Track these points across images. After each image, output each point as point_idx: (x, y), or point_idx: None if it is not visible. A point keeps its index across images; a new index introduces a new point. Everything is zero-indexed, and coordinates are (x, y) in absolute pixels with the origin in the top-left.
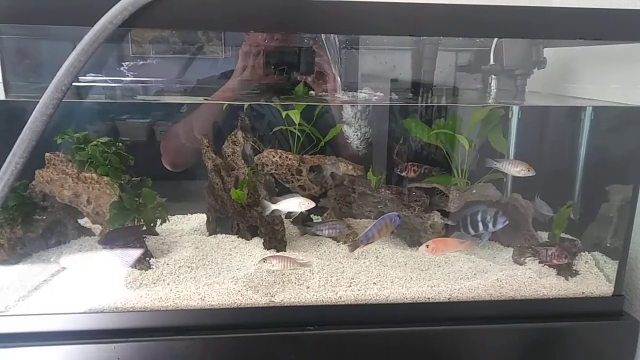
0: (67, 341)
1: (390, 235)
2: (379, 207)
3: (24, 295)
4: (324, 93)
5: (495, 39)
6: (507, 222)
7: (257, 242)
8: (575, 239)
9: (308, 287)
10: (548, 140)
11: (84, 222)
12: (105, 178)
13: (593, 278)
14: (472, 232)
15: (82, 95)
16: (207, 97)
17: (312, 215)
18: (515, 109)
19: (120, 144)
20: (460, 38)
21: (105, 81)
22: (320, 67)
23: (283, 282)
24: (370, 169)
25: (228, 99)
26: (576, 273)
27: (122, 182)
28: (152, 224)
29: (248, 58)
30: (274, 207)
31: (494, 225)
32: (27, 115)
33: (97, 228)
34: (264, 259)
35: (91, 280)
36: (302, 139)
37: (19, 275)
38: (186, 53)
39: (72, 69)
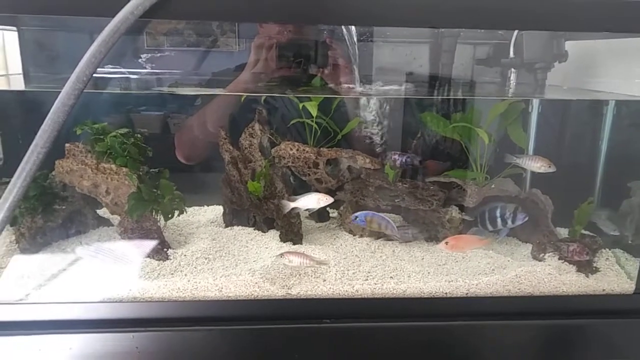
0: (86, 329)
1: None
2: (396, 200)
3: (44, 284)
4: (341, 86)
5: (516, 32)
6: (526, 218)
7: (274, 234)
8: (595, 235)
9: (324, 280)
10: (568, 134)
11: (102, 212)
12: (124, 169)
13: (614, 275)
14: (490, 227)
15: (97, 87)
16: (220, 90)
17: (328, 209)
18: (536, 102)
19: (139, 135)
20: (480, 31)
21: (122, 73)
22: (336, 60)
23: (300, 275)
24: (387, 163)
25: (241, 92)
26: (597, 270)
27: (141, 173)
28: (169, 216)
29: (261, 51)
30: (292, 205)
31: (513, 222)
32: (47, 106)
33: (115, 218)
34: (281, 254)
35: (110, 270)
36: (319, 132)
37: (39, 264)
38: (200, 46)
39: (93, 59)
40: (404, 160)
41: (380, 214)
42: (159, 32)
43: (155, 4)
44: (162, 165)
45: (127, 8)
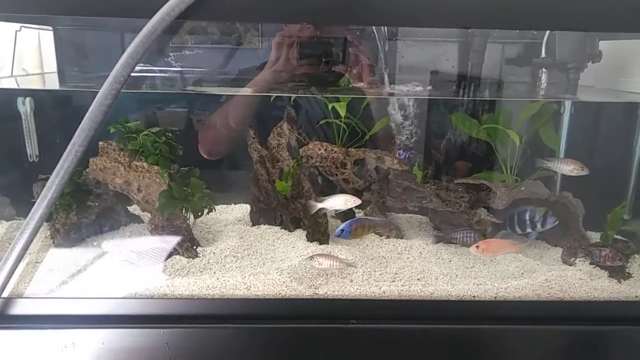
0: (117, 325)
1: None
2: (423, 202)
3: (77, 278)
4: (365, 85)
5: (548, 31)
6: (556, 222)
7: (300, 234)
8: (628, 240)
9: (351, 281)
10: (601, 136)
11: (133, 209)
12: (156, 167)
13: None
14: (519, 231)
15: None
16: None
17: (354, 209)
18: (568, 104)
19: (170, 134)
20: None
21: (152, 71)
22: (360, 59)
23: (327, 275)
24: (416, 164)
25: (261, 90)
26: (629, 276)
27: (172, 171)
28: (199, 214)
29: (282, 49)
30: (320, 206)
31: (542, 226)
32: (80, 104)
33: (146, 215)
34: (311, 257)
35: (140, 267)
36: (347, 132)
37: (73, 259)
38: (224, 43)
39: (130, 60)
40: (407, 156)
41: (362, 217)
42: (184, 30)
43: (192, 5)
44: (187, 162)
45: (164, 9)
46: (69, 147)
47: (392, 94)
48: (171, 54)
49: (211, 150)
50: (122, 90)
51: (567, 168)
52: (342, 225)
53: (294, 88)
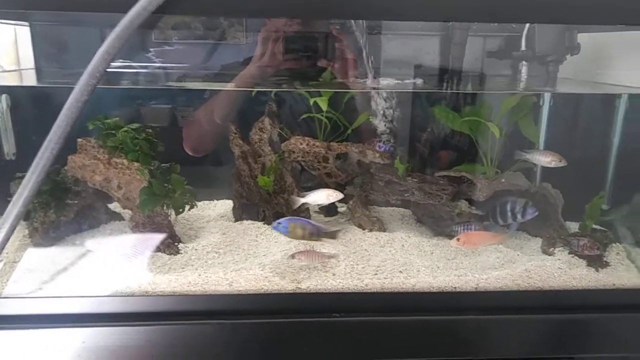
0: (97, 323)
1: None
2: (405, 195)
3: (56, 278)
4: (350, 79)
5: (527, 24)
6: (536, 213)
7: None
8: (606, 229)
9: (334, 275)
10: (580, 128)
11: (114, 206)
12: (136, 164)
13: (624, 270)
14: (501, 222)
15: (106, 81)
16: (227, 83)
17: (336, 204)
18: (547, 96)
19: (150, 130)
20: (492, 24)
21: (130, 67)
22: (344, 53)
23: (309, 269)
24: (398, 157)
25: (247, 85)
26: (607, 264)
27: (152, 168)
28: (180, 210)
29: (267, 44)
30: (302, 201)
31: (522, 216)
32: (58, 100)
33: (126, 213)
34: (292, 255)
35: (121, 264)
36: (329, 126)
37: (52, 258)
38: (208, 39)
39: (106, 55)
40: (387, 148)
41: (303, 219)
42: (166, 25)
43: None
44: (171, 158)
45: (141, 3)
46: (45, 144)
47: (373, 88)
48: (152, 50)
49: (196, 147)
50: (106, 87)
51: (545, 160)
52: (281, 220)
53: (278, 83)
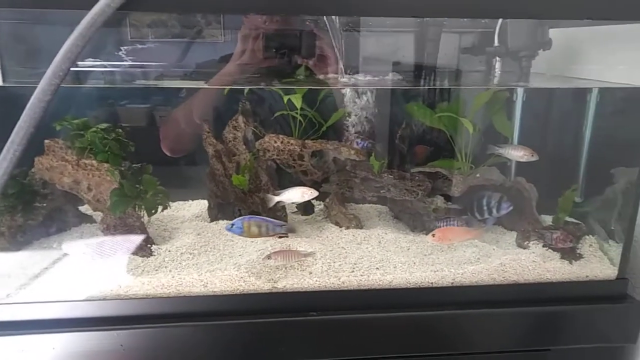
0: (69, 329)
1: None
2: (381, 191)
3: (25, 283)
4: (326, 76)
5: (500, 20)
6: (511, 207)
7: None
8: (579, 222)
9: (311, 273)
10: (553, 122)
11: (85, 209)
12: (106, 165)
13: (597, 261)
14: (478, 216)
15: (81, 81)
16: (206, 82)
17: (312, 202)
18: (520, 91)
19: (120, 130)
20: (464, 19)
21: (104, 66)
22: (322, 50)
23: (286, 268)
24: (373, 154)
25: (227, 83)
26: (580, 256)
27: (123, 168)
28: (152, 211)
29: (247, 41)
30: (277, 199)
31: (498, 211)
32: (25, 101)
33: (98, 215)
34: (268, 256)
35: (93, 268)
36: (304, 124)
37: (20, 263)
38: (185, 37)
39: (69, 54)
40: (365, 145)
41: (257, 216)
42: (142, 23)
43: None
44: (149, 159)
45: (104, 0)
46: (7, 145)
47: (346, 85)
48: (122, 48)
49: (174, 148)
50: (80, 86)
51: (517, 154)
52: (234, 220)
53: (253, 81)
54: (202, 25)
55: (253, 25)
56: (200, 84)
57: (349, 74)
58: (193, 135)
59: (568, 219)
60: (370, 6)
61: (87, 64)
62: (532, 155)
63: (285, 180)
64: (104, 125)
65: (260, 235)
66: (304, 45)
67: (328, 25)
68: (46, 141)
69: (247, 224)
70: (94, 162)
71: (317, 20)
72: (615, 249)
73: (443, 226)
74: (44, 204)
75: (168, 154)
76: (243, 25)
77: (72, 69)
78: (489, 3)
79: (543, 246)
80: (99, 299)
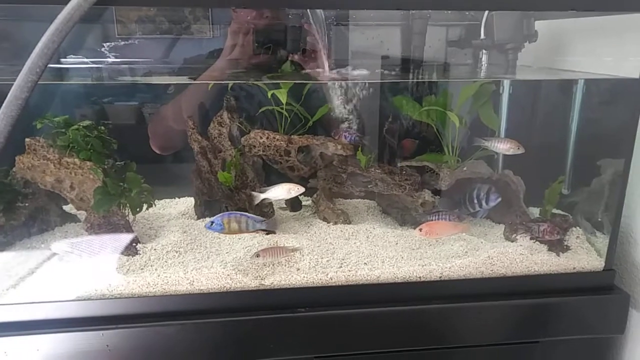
0: (54, 329)
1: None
2: (369, 186)
3: (9, 284)
4: (315, 70)
5: (486, 13)
6: (499, 199)
7: None
8: (566, 214)
9: (298, 269)
10: (540, 114)
11: (69, 208)
12: (88, 163)
13: (584, 253)
14: (470, 209)
15: (68, 78)
16: (195, 77)
17: (300, 197)
18: (507, 83)
19: (103, 127)
20: (451, 12)
21: (91, 63)
22: (310, 45)
23: (273, 265)
24: (360, 148)
25: (217, 79)
26: (567, 248)
27: (106, 166)
28: (137, 209)
29: (237, 36)
30: (263, 196)
31: (487, 203)
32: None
33: (82, 214)
34: (257, 254)
35: (77, 267)
36: (289, 119)
37: (3, 264)
38: (173, 33)
39: (46, 50)
40: (352, 138)
41: (237, 212)
42: (130, 19)
43: None
44: (138, 156)
45: None
46: None
47: (332, 79)
48: (104, 45)
49: (163, 145)
50: (67, 83)
51: (504, 147)
52: (213, 218)
53: (238, 76)
54: (190, 20)
55: (243, 19)
56: (189, 81)
57: (333, 69)
58: (182, 132)
59: (555, 210)
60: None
61: (74, 61)
62: (518, 148)
63: (273, 176)
64: (86, 123)
65: (240, 231)
66: (292, 40)
67: (311, 19)
68: (27, 139)
69: (226, 221)
70: (76, 160)
71: (301, 14)
72: (602, 241)
73: (433, 220)
74: (26, 204)
75: (157, 151)
76: (233, 21)
77: (58, 66)
78: None
79: (530, 239)
80: (84, 299)
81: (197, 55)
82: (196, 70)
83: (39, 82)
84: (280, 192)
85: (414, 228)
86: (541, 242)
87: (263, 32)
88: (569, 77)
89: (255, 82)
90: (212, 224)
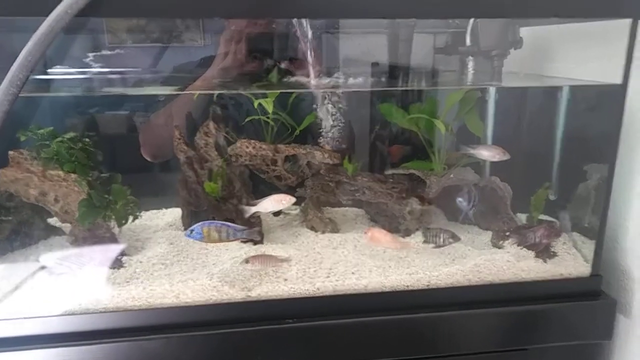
0: (36, 345)
1: None
2: (356, 195)
3: None
4: (305, 78)
5: (472, 20)
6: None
7: None
8: (554, 220)
9: (286, 280)
10: (526, 120)
11: (54, 221)
12: (73, 175)
13: (571, 259)
14: (462, 210)
15: (57, 90)
16: (186, 86)
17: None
18: (492, 90)
19: (88, 139)
20: (436, 20)
21: (81, 73)
22: (300, 53)
23: (260, 276)
24: (347, 157)
25: (210, 87)
26: (554, 255)
27: (91, 178)
28: (123, 221)
29: (230, 44)
30: (253, 210)
31: (469, 204)
32: None
33: (67, 227)
34: (246, 260)
35: (61, 282)
36: (275, 129)
37: None
38: (164, 41)
39: (26, 62)
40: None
41: (217, 221)
42: (120, 29)
43: (92, 2)
44: (130, 166)
45: (61, 7)
46: None
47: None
48: (90, 55)
49: (155, 153)
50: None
51: (489, 154)
52: (193, 226)
53: (228, 85)
54: (181, 29)
55: (235, 28)
56: (177, 91)
57: (319, 77)
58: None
59: (542, 216)
60: (339, 8)
61: (62, 71)
62: (504, 155)
63: (260, 186)
64: (70, 135)
65: (221, 240)
66: (281, 49)
67: (297, 28)
68: (10, 152)
69: (206, 230)
70: (60, 172)
71: (288, 23)
72: (589, 246)
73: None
74: (10, 218)
75: (149, 159)
76: (225, 29)
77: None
78: (455, 3)
79: (518, 245)
80: (67, 314)
81: (187, 63)
82: (189, 79)
83: (28, 95)
84: (270, 205)
85: (403, 236)
86: (529, 248)
87: (257, 41)
88: (553, 84)
89: (241, 92)
90: (191, 232)
